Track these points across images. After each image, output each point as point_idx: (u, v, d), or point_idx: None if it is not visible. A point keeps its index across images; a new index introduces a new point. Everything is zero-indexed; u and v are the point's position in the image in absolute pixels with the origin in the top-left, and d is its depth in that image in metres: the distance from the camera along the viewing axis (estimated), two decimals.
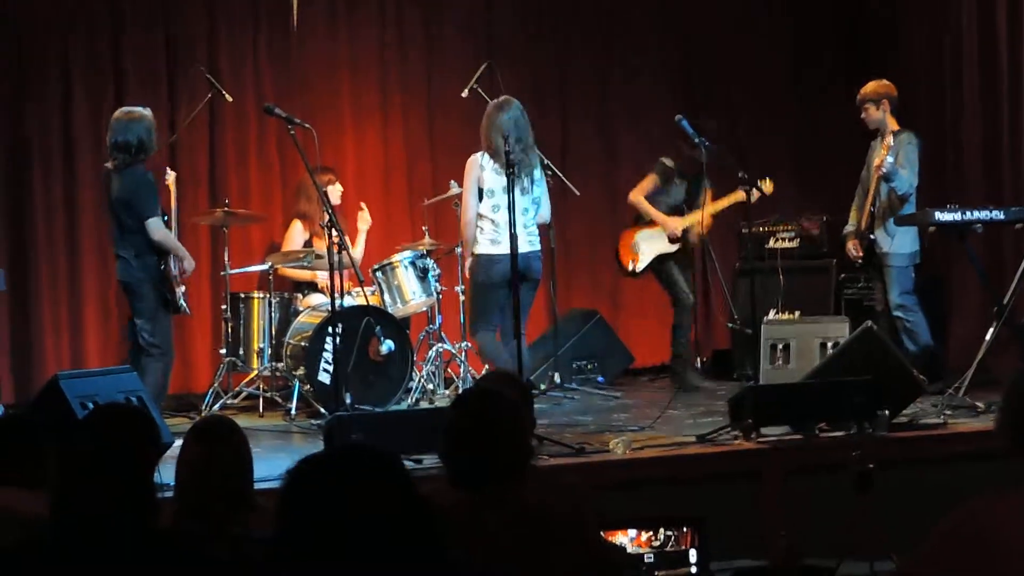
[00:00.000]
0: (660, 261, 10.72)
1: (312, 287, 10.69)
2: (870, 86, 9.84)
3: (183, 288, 8.95)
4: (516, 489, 3.56)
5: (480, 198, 8.85)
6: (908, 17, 12.04)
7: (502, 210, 8.58)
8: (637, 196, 10.73)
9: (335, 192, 10.62)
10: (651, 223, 10.66)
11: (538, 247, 9.04)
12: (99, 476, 3.36)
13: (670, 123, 10.22)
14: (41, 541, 3.34)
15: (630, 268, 10.79)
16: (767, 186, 10.35)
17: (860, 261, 9.87)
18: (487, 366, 10.09)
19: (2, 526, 4.44)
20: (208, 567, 3.37)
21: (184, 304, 8.96)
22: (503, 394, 3.93)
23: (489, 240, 8.84)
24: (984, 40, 10.94)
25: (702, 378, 10.75)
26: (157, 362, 8.72)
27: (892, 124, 9.77)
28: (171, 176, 9.92)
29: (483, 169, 8.82)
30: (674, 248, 10.67)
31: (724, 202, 10.51)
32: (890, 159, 9.50)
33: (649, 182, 10.71)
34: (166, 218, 9.03)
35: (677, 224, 10.60)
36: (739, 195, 9.86)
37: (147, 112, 8.91)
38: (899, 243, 9.66)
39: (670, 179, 10.67)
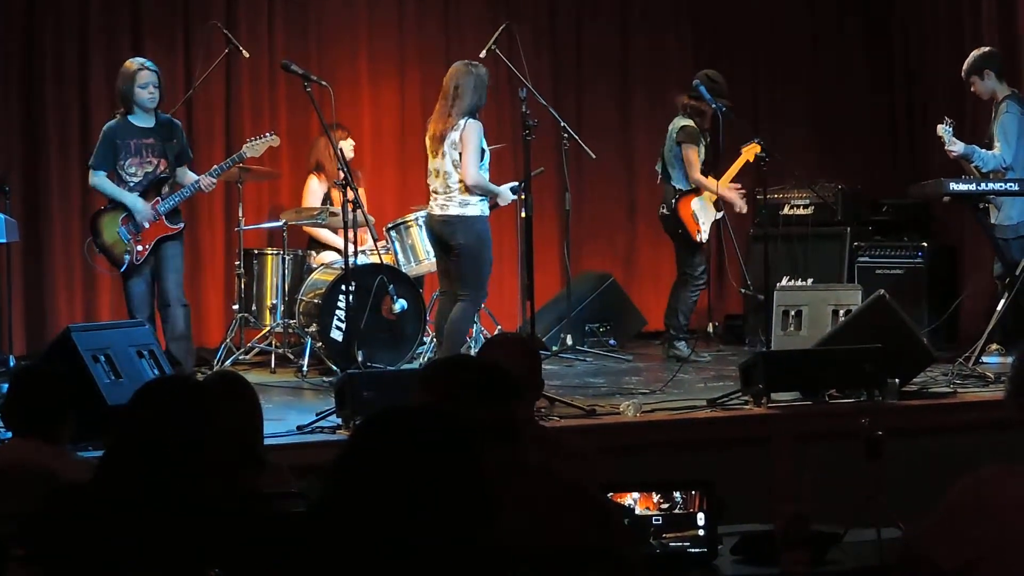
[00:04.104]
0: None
1: (326, 246, 10.70)
2: (968, 60, 9.74)
3: (140, 247, 8.82)
4: (517, 451, 3.56)
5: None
6: None
7: (430, 176, 8.73)
8: (698, 176, 10.23)
9: (347, 147, 10.60)
10: (697, 191, 10.26)
11: (454, 212, 8.61)
12: (166, 451, 3.39)
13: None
14: (80, 500, 3.37)
15: (697, 239, 10.30)
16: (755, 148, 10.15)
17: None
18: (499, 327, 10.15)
19: (17, 482, 4.48)
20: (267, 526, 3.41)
21: (128, 260, 8.84)
22: (473, 362, 3.93)
23: None
24: (1003, 7, 10.89)
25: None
26: None
27: (1003, 89, 9.68)
28: (262, 141, 9.58)
29: (425, 132, 8.83)
30: (719, 215, 10.35)
31: (733, 169, 10.42)
32: (956, 148, 9.42)
33: (696, 155, 10.18)
34: (165, 175, 8.98)
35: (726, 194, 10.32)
36: (746, 156, 9.87)
37: (133, 62, 8.99)
38: (1003, 215, 9.58)
39: (699, 142, 10.28)
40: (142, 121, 8.88)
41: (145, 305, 8.88)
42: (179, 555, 3.28)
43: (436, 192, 8.71)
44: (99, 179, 8.90)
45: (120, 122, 8.88)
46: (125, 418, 3.52)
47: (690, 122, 10.24)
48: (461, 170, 8.55)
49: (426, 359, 9.70)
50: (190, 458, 3.55)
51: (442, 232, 8.70)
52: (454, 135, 8.57)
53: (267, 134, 9.63)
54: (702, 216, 10.23)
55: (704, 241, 10.32)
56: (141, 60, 9.06)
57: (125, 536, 3.25)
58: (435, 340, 9.14)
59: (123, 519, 3.28)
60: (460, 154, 8.55)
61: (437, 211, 8.71)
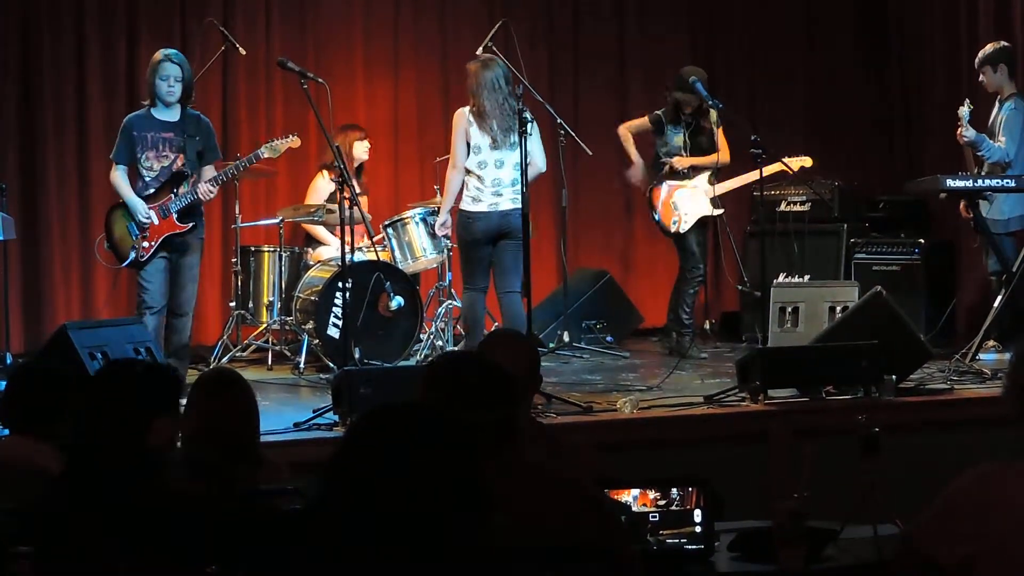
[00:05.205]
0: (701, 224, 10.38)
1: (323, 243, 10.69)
2: (986, 49, 9.76)
3: (146, 243, 8.71)
4: (514, 448, 3.56)
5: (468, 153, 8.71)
6: None
7: (488, 167, 8.56)
8: (624, 130, 10.45)
9: (362, 148, 10.59)
10: (684, 178, 10.28)
11: (522, 203, 8.52)
12: (113, 432, 3.38)
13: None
14: (52, 496, 3.37)
15: (673, 228, 10.24)
16: (806, 161, 10.30)
17: (972, 223, 9.80)
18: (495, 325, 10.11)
19: (14, 480, 4.48)
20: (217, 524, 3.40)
21: (132, 257, 8.75)
22: (480, 359, 3.92)
23: (471, 198, 8.63)
24: (1000, 2, 10.89)
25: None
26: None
27: (1010, 86, 9.68)
28: (282, 142, 9.46)
29: (471, 124, 8.60)
30: (717, 212, 10.33)
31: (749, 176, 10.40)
32: (968, 133, 9.42)
33: (639, 122, 10.46)
34: (182, 171, 8.89)
35: (681, 163, 10.24)
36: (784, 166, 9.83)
37: (159, 52, 8.85)
38: (995, 208, 9.58)
39: (661, 128, 10.31)
40: (164, 115, 8.75)
41: (161, 295, 8.73)
42: (177, 552, 3.28)
43: (500, 184, 8.58)
44: (115, 174, 8.78)
45: (140, 114, 8.79)
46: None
47: (654, 114, 10.40)
48: (533, 161, 8.54)
49: (423, 356, 9.71)
50: (189, 456, 3.57)
51: (517, 224, 8.48)
52: (530, 127, 8.48)
53: (289, 135, 9.55)
54: (683, 207, 10.23)
55: (682, 232, 10.27)
56: (168, 51, 8.85)
57: (124, 533, 3.25)
58: (465, 334, 9.11)
59: (122, 517, 3.28)
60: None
61: (509, 204, 8.57)
